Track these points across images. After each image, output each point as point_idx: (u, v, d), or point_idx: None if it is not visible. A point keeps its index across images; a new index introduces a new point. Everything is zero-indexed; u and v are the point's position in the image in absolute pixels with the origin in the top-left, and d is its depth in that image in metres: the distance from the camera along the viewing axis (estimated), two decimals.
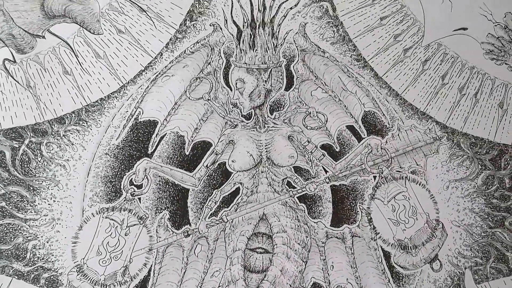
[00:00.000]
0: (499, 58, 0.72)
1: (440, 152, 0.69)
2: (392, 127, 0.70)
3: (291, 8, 0.70)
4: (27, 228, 0.63)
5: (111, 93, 0.68)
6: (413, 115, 0.70)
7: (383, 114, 0.70)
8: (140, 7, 0.70)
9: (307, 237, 0.67)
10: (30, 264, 0.64)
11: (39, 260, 0.64)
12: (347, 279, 0.67)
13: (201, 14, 0.70)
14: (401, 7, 0.71)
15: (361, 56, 0.71)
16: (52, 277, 0.64)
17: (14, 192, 0.65)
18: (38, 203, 0.65)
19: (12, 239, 0.63)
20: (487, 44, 0.73)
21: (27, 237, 0.63)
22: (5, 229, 0.62)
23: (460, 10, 0.73)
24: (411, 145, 0.69)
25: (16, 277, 0.63)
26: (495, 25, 0.74)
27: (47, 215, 0.65)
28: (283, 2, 0.70)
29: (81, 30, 0.69)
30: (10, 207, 0.64)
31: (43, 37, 0.69)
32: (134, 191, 0.66)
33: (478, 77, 0.71)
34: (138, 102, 0.68)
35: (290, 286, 0.66)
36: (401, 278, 0.68)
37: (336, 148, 0.70)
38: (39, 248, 0.64)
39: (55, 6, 0.69)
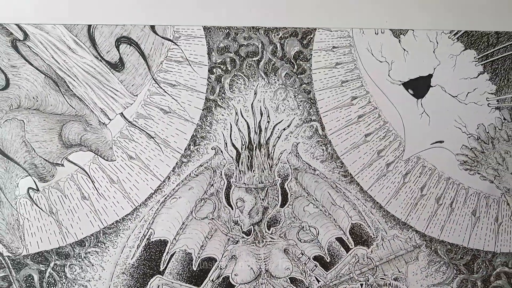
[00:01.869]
0: (472, 168, 0.78)
1: (419, 259, 0.75)
2: (376, 237, 0.75)
3: (284, 129, 0.76)
4: None
5: (125, 216, 0.73)
6: (395, 226, 0.75)
7: (369, 226, 0.76)
8: (148, 134, 0.75)
9: None
10: None
11: None
12: None
13: (203, 139, 0.76)
14: (384, 123, 0.77)
15: (348, 172, 0.76)
16: None
17: None
18: None
19: None
20: (461, 155, 0.78)
21: None
22: None
23: (437, 123, 0.78)
24: (394, 253, 0.75)
25: None
26: (469, 137, 0.78)
27: None
28: (276, 124, 0.76)
29: (96, 157, 0.74)
30: None
31: (62, 165, 0.75)
32: None
33: (453, 187, 0.77)
34: (149, 223, 0.74)
35: None
36: None
37: (327, 259, 0.74)
38: None
39: (72, 136, 0.75)
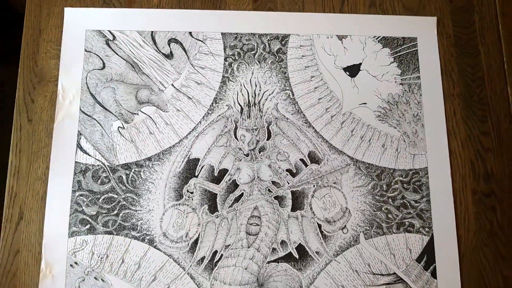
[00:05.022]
0: (383, 119, 0.96)
1: (349, 172, 0.93)
2: (324, 159, 0.93)
3: (269, 95, 0.95)
4: (137, 215, 0.90)
5: (174, 144, 0.93)
6: (335, 152, 0.94)
7: (319, 152, 0.94)
8: (188, 96, 0.95)
9: (278, 217, 0.90)
10: (139, 232, 0.89)
11: (144, 230, 0.89)
12: (299, 237, 0.90)
13: (220, 99, 0.95)
14: (330, 92, 0.97)
15: (307, 120, 0.94)
16: (151, 238, 0.89)
17: (129, 196, 0.90)
18: (141, 202, 0.90)
19: (130, 220, 0.89)
20: (377, 112, 0.97)
21: (137, 219, 0.89)
22: (126, 215, 0.89)
23: (363, 92, 0.98)
24: (334, 168, 0.93)
25: (133, 239, 0.88)
26: (382, 101, 0.97)
27: (146, 208, 0.90)
28: (265, 91, 0.95)
29: (157, 110, 0.94)
30: (128, 204, 0.90)
31: (137, 114, 0.94)
32: (189, 195, 0.90)
33: (371, 130, 0.96)
34: (189, 148, 0.92)
35: (270, 241, 0.89)
36: (327, 237, 0.90)
37: (294, 171, 0.92)
38: (143, 224, 0.89)
39: (143, 97, 0.95)
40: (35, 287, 0.92)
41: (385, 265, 0.91)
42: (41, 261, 0.92)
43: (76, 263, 0.92)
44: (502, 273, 0.96)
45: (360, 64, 0.99)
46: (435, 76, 0.99)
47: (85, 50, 0.97)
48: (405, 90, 0.98)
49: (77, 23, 0.99)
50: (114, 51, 0.98)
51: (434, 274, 0.92)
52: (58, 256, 0.90)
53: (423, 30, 1.02)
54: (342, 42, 1.00)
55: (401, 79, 0.99)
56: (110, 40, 0.98)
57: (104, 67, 0.97)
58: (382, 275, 0.91)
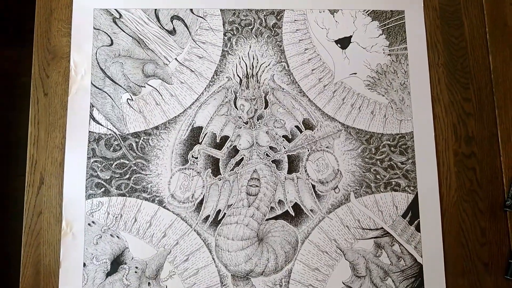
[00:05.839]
0: (372, 88, 1.01)
1: (341, 137, 0.98)
2: (317, 125, 0.98)
3: (266, 66, 1.00)
4: (146, 178, 0.96)
5: (179, 113, 0.98)
6: (328, 119, 0.99)
7: (313, 119, 0.99)
8: (191, 69, 1.00)
9: (275, 179, 0.96)
10: (150, 194, 0.95)
11: (153, 192, 0.95)
12: (294, 197, 0.96)
13: (221, 72, 1.00)
14: (323, 63, 1.01)
15: (302, 90, 0.99)
16: (160, 199, 0.95)
17: (139, 162, 0.96)
18: (151, 167, 0.96)
19: (141, 183, 0.95)
20: (366, 81, 1.01)
21: (147, 182, 0.96)
22: (137, 179, 0.96)
23: (353, 63, 1.02)
24: (327, 134, 0.98)
25: (144, 200, 0.95)
26: (371, 71, 1.01)
27: (155, 172, 0.96)
28: (262, 63, 1.00)
29: (163, 82, 0.99)
30: (138, 169, 0.96)
31: (144, 86, 0.99)
32: (194, 160, 0.95)
33: (360, 98, 1.00)
34: (193, 117, 0.98)
35: (268, 201, 0.95)
36: (320, 196, 0.97)
37: (290, 136, 0.97)
38: (153, 187, 0.95)
39: (149, 71, 1.00)
40: (58, 244, 1.01)
41: (374, 221, 0.98)
42: (62, 221, 1.01)
43: (93, 222, 1.00)
44: (479, 225, 1.05)
45: (351, 36, 1.02)
46: (421, 47, 1.03)
47: (94, 28, 1.01)
48: (392, 61, 1.02)
49: (86, 2, 1.03)
50: (121, 29, 1.02)
51: (418, 228, 0.98)
52: (77, 216, 0.97)
53: (410, 3, 1.05)
54: (333, 16, 1.04)
55: (389, 50, 1.03)
56: (117, 18, 1.02)
57: (112, 43, 1.01)
58: (371, 229, 0.98)
